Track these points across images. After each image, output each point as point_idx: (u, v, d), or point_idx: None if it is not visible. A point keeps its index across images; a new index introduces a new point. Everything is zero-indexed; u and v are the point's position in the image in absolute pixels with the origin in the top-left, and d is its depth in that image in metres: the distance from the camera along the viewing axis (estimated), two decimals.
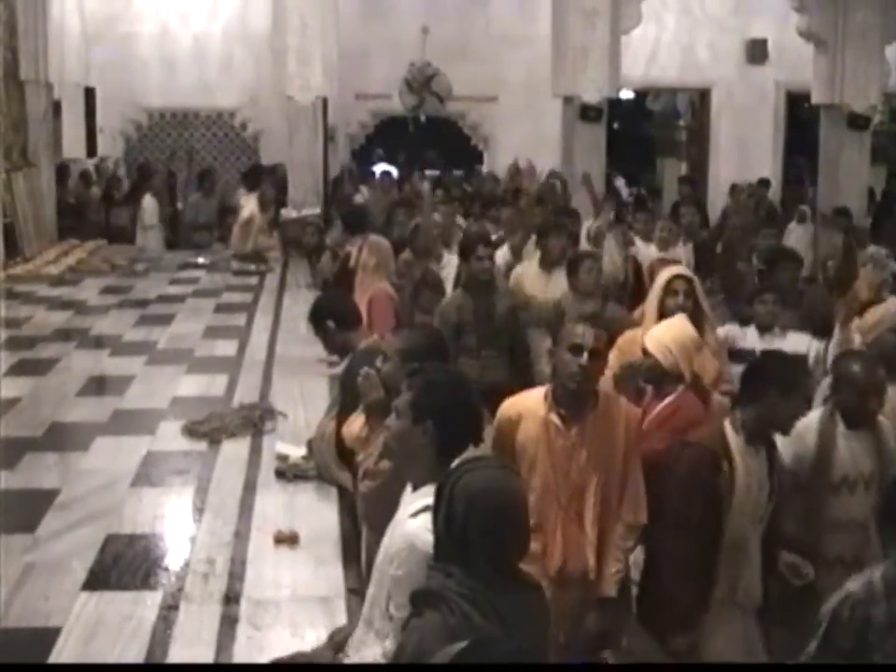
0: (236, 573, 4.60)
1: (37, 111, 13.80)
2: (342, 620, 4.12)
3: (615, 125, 19.36)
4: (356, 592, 4.34)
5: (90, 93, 15.87)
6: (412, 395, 3.53)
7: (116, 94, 16.74)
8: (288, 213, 13.70)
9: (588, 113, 13.37)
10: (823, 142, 14.58)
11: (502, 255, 8.76)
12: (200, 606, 4.32)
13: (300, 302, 10.12)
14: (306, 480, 5.63)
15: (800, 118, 18.58)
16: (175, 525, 5.25)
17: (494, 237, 8.89)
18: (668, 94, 20.04)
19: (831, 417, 4.88)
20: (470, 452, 3.44)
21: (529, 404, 4.47)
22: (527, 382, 7.18)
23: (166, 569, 4.67)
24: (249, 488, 5.59)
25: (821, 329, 6.52)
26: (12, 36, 13.47)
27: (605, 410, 4.42)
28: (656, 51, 17.97)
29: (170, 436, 6.43)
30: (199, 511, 5.32)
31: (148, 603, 4.34)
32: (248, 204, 13.58)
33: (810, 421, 4.86)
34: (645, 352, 5.13)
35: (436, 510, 3.00)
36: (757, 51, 18.10)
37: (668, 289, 5.74)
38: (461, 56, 17.08)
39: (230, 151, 17.90)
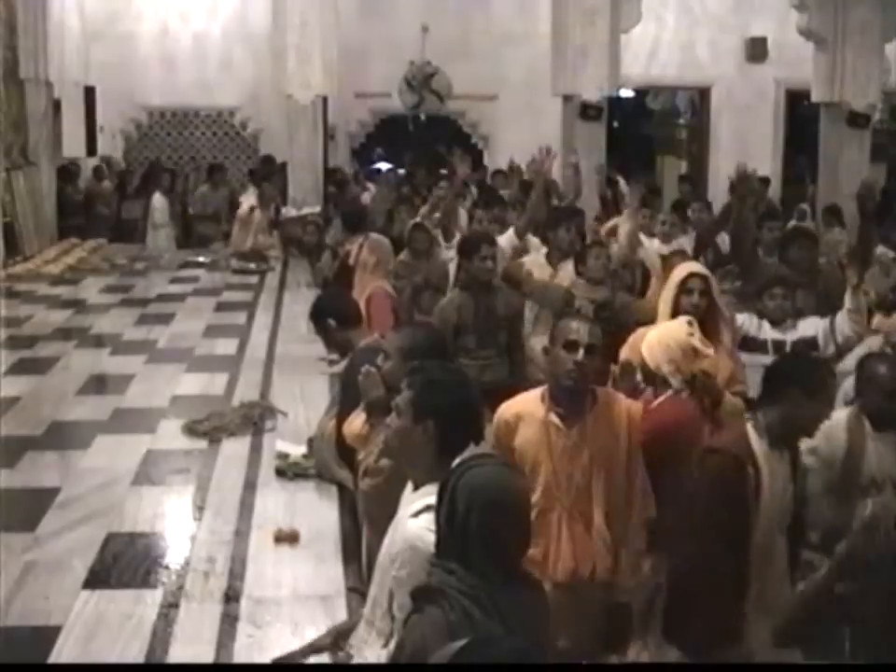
0: (236, 571, 4.61)
1: (37, 110, 13.80)
2: (342, 618, 4.13)
3: (615, 123, 19.31)
4: (356, 590, 4.34)
5: (90, 92, 15.87)
6: (413, 393, 3.52)
7: (116, 93, 16.73)
8: (288, 212, 13.70)
9: (588, 111, 13.36)
10: (823, 140, 14.57)
11: (507, 238, 8.70)
12: (200, 604, 4.33)
13: (300, 301, 10.12)
14: (306, 478, 5.63)
15: (800, 116, 18.57)
16: (176, 524, 5.25)
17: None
18: (668, 93, 20.02)
19: (858, 419, 4.81)
20: (471, 451, 3.44)
21: (527, 406, 4.39)
22: (525, 378, 7.24)
23: (167, 568, 4.67)
24: (249, 487, 5.59)
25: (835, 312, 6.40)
26: (12, 35, 13.48)
27: (605, 407, 4.35)
28: (656, 50, 17.96)
29: (170, 434, 6.44)
30: (199, 509, 5.33)
31: (149, 601, 4.34)
32: (247, 200, 13.58)
33: (837, 422, 4.77)
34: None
35: (438, 506, 3.01)
36: (757, 49, 18.09)
37: (683, 287, 5.60)
38: (461, 55, 17.08)
39: (230, 150, 17.89)
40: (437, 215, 9.60)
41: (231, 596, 4.38)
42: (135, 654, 3.93)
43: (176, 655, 3.92)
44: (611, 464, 4.32)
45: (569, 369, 4.26)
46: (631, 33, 14.16)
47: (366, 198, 14.12)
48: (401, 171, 14.78)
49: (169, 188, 15.21)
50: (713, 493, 4.17)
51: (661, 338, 5.03)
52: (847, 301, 6.17)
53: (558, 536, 4.28)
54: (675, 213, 10.38)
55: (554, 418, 4.30)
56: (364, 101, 17.55)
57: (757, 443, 4.18)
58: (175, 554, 4.83)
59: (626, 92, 18.76)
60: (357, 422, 4.71)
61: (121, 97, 16.98)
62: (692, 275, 5.65)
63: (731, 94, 18.24)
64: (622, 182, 15.16)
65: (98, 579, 4.55)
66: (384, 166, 20.02)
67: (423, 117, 17.78)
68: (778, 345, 6.21)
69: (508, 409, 4.42)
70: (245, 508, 5.32)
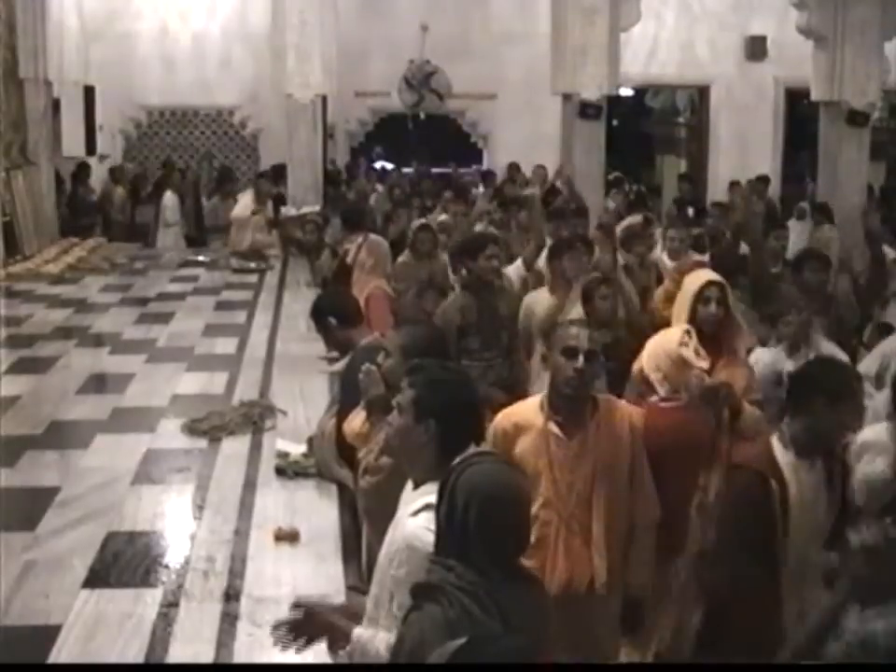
0: (236, 570, 4.60)
1: (37, 109, 13.79)
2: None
3: (615, 122, 19.35)
4: (356, 589, 4.34)
5: (89, 91, 15.87)
6: (414, 392, 3.52)
7: (115, 92, 16.74)
8: (288, 211, 13.70)
9: (587, 110, 13.36)
10: (822, 138, 14.57)
11: (515, 269, 8.66)
12: (200, 603, 4.32)
13: (299, 300, 10.13)
14: (306, 477, 5.63)
15: (799, 114, 18.57)
16: (176, 523, 5.25)
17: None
18: (668, 91, 20.05)
19: None
20: (472, 450, 3.44)
21: (525, 415, 4.30)
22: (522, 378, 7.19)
23: (166, 567, 4.67)
24: (249, 486, 5.58)
25: (849, 339, 6.35)
26: (11, 34, 13.46)
27: (606, 415, 4.27)
28: (655, 48, 17.98)
29: (170, 434, 6.43)
30: (199, 508, 5.32)
31: (149, 601, 4.34)
32: (244, 199, 13.56)
33: (878, 436, 4.70)
34: None
35: (438, 504, 3.01)
36: (756, 48, 18.11)
37: (700, 297, 5.43)
38: (460, 54, 17.09)
39: (229, 149, 17.90)
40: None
41: (231, 595, 4.38)
42: (135, 653, 3.93)
43: (176, 654, 3.92)
44: (614, 473, 4.23)
45: (569, 376, 4.17)
46: (630, 31, 14.16)
47: (374, 198, 14.16)
48: (407, 170, 14.75)
49: (180, 185, 15.19)
50: (737, 509, 4.09)
51: (655, 346, 5.01)
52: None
53: (555, 548, 4.20)
54: (684, 227, 9.94)
55: (554, 428, 4.21)
56: (363, 100, 17.58)
57: (783, 455, 4.08)
58: (174, 553, 4.82)
59: (626, 91, 18.79)
60: (357, 420, 4.72)
61: (121, 96, 17.00)
62: (709, 284, 5.50)
63: (730, 93, 18.25)
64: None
65: (98, 578, 4.54)
66: (382, 165, 20.03)
67: (422, 116, 17.80)
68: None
69: (506, 418, 4.34)
70: (245, 507, 5.31)
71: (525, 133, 16.98)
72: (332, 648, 3.82)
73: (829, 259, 7.84)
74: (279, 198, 13.88)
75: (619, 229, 9.27)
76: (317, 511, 5.27)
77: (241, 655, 3.91)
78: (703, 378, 5.08)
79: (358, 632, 3.48)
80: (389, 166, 19.90)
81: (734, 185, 16.17)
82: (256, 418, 6.59)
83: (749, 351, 6.03)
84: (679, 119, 20.28)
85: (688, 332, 5.00)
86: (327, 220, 12.40)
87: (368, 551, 4.64)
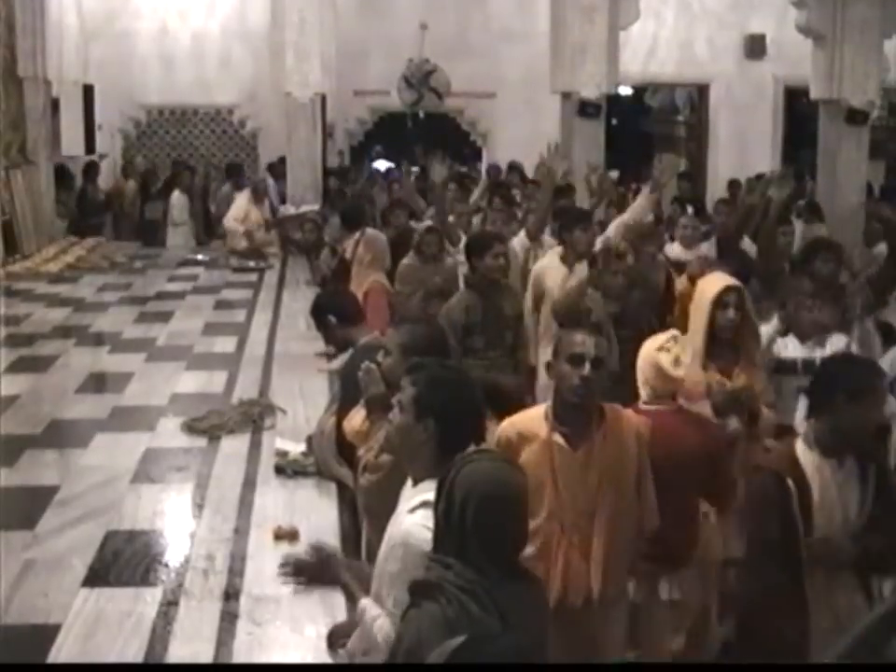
0: (236, 569, 4.60)
1: (36, 108, 13.79)
2: (341, 615, 4.12)
3: (614, 121, 19.35)
4: None
5: (88, 91, 15.87)
6: (415, 391, 3.52)
7: (114, 91, 16.75)
8: (287, 209, 13.71)
9: (587, 109, 13.36)
10: (822, 137, 14.57)
11: (519, 240, 8.67)
12: (200, 602, 4.32)
13: (299, 299, 10.14)
14: (306, 476, 5.62)
15: (798, 112, 18.58)
16: (175, 522, 5.25)
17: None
18: (667, 90, 20.04)
19: None
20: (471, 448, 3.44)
21: (530, 424, 4.17)
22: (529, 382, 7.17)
23: (166, 566, 4.67)
24: (249, 484, 5.58)
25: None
26: (10, 33, 13.47)
27: (612, 425, 4.12)
28: (655, 47, 17.98)
29: (169, 432, 6.43)
30: (198, 507, 5.32)
31: (148, 599, 4.33)
32: (241, 198, 13.54)
33: None
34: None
35: (436, 501, 3.01)
36: (755, 46, 18.11)
37: (718, 303, 5.38)
38: (459, 52, 17.09)
39: (228, 148, 17.90)
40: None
41: (231, 594, 4.37)
42: (135, 652, 3.93)
43: (176, 653, 3.92)
44: (619, 486, 4.10)
45: (575, 384, 4.03)
46: (629, 30, 14.18)
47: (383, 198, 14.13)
48: (415, 168, 14.71)
49: (189, 185, 15.20)
50: (754, 512, 4.05)
51: (643, 349, 4.94)
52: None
53: (555, 560, 4.08)
54: (697, 216, 9.88)
55: (559, 438, 4.08)
56: (363, 99, 17.57)
57: (806, 455, 3.98)
58: (174, 552, 4.82)
59: (625, 90, 18.79)
60: (356, 418, 4.72)
61: (120, 95, 17.00)
62: (727, 289, 5.42)
63: (729, 91, 18.25)
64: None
65: (97, 577, 4.54)
66: (382, 164, 20.02)
67: (421, 114, 17.80)
68: (808, 365, 5.95)
69: (510, 427, 4.21)
70: (245, 505, 5.31)
71: (525, 132, 16.96)
72: (332, 647, 3.83)
73: (840, 249, 7.79)
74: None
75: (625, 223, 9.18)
76: (317, 509, 5.26)
77: (240, 654, 3.91)
78: (724, 384, 5.07)
79: (366, 603, 3.49)
80: (386, 164, 19.86)
81: (733, 183, 16.16)
82: (255, 417, 6.58)
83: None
84: (678, 118, 20.27)
85: (674, 338, 4.89)
86: (326, 219, 12.40)
87: (367, 549, 4.64)
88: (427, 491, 3.20)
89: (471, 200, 11.61)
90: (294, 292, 10.85)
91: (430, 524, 3.05)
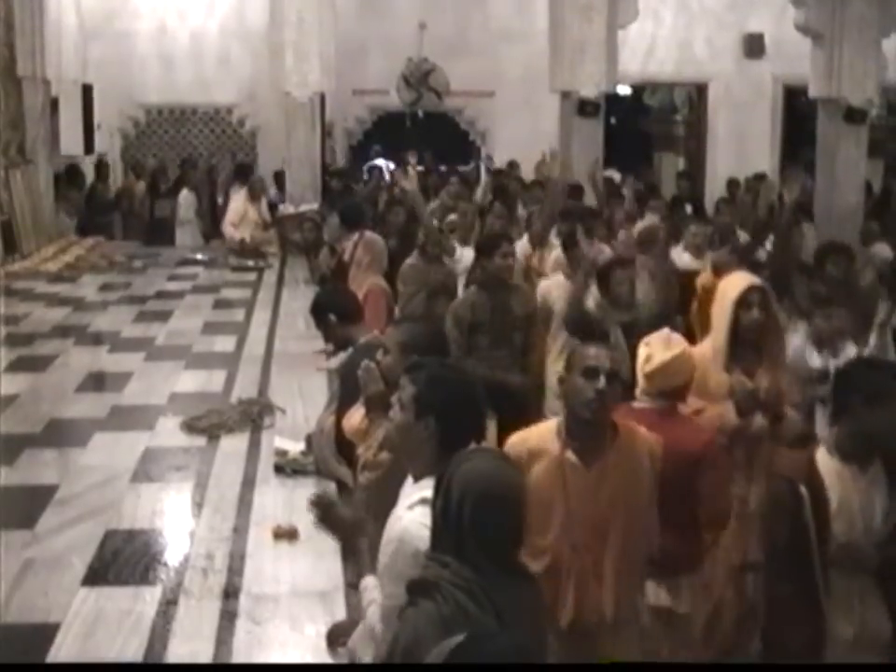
0: (235, 568, 4.61)
1: (35, 108, 13.79)
2: (341, 614, 4.13)
3: (612, 120, 19.34)
4: (355, 586, 4.34)
5: (87, 90, 15.86)
6: (415, 389, 3.53)
7: (113, 91, 16.74)
8: (286, 209, 13.71)
9: (585, 108, 13.36)
10: (820, 136, 14.56)
11: (521, 247, 8.64)
12: (199, 601, 4.33)
13: (298, 298, 10.15)
14: (305, 475, 5.63)
15: (797, 111, 18.58)
16: (174, 521, 5.26)
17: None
18: (666, 89, 20.03)
19: None
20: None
21: (541, 441, 4.00)
22: (538, 385, 7.12)
23: (165, 565, 4.67)
24: (248, 483, 5.59)
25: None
26: (9, 33, 13.48)
27: (626, 442, 3.97)
28: (653, 46, 17.98)
29: (169, 432, 6.44)
30: (198, 506, 5.33)
31: (148, 598, 4.34)
32: (238, 196, 13.53)
33: None
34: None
35: (434, 499, 3.02)
36: (754, 45, 18.11)
37: (742, 302, 5.17)
38: (458, 51, 17.09)
39: (227, 147, 17.89)
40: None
41: (230, 593, 4.38)
42: (134, 651, 3.93)
43: (175, 652, 3.93)
44: (632, 505, 3.95)
45: (589, 399, 3.87)
46: (628, 29, 14.18)
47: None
48: (420, 168, 14.67)
49: (196, 183, 15.16)
50: (769, 519, 3.98)
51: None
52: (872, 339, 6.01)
53: (566, 581, 3.93)
54: (696, 215, 9.67)
55: (571, 456, 3.92)
56: (362, 98, 17.57)
57: (827, 461, 3.88)
58: (173, 551, 4.83)
59: (624, 89, 18.77)
60: (355, 416, 4.72)
61: (119, 95, 16.99)
62: (751, 289, 5.24)
63: (728, 90, 18.26)
64: (616, 177, 15.17)
65: (97, 575, 4.55)
66: (381, 163, 20.01)
67: (421, 113, 17.80)
68: (823, 375, 5.97)
69: (520, 443, 4.04)
70: (244, 504, 5.32)
71: (524, 131, 16.99)
72: (332, 645, 3.84)
73: (851, 252, 7.69)
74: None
75: (635, 232, 9.05)
76: None
77: (240, 653, 3.92)
78: (744, 383, 5.03)
79: (368, 582, 3.50)
80: (382, 162, 19.85)
81: (732, 182, 16.18)
82: (254, 416, 6.59)
83: None
84: (677, 117, 20.26)
85: (666, 337, 4.78)
86: (325, 218, 12.39)
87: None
88: (427, 488, 3.20)
89: (474, 199, 11.62)
90: (293, 291, 10.87)
91: (428, 521, 3.06)
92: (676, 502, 4.28)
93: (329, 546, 4.81)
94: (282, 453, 5.85)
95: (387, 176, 15.96)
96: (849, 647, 3.87)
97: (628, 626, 4.11)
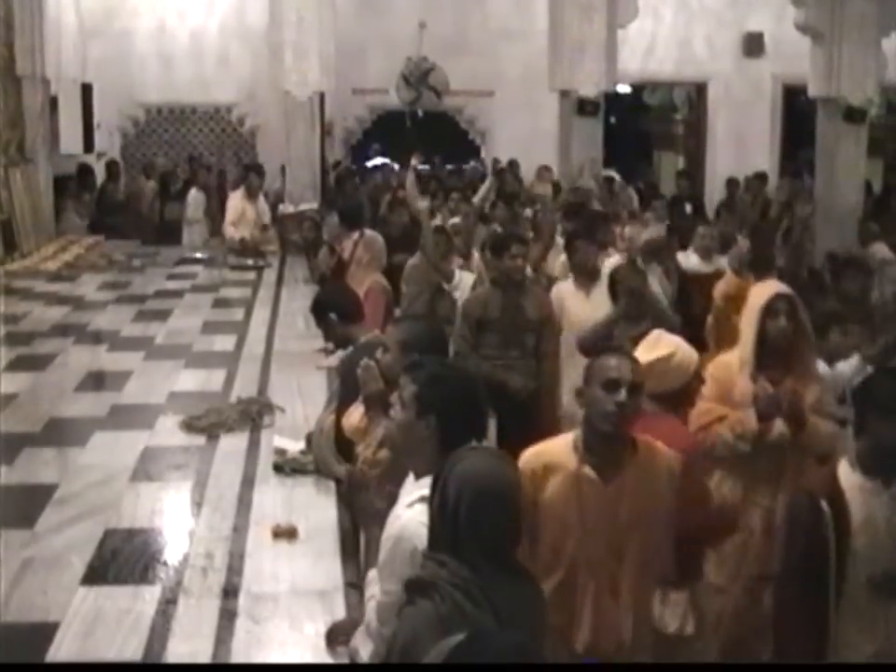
0: (234, 567, 4.61)
1: (34, 107, 13.78)
2: (340, 613, 4.13)
3: (612, 119, 19.35)
4: (354, 585, 4.35)
5: (87, 89, 15.87)
6: (416, 388, 3.53)
7: (113, 90, 16.74)
8: (286, 208, 13.70)
9: (585, 107, 13.36)
10: (820, 135, 14.56)
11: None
12: (198, 600, 4.32)
13: (297, 297, 10.15)
14: (304, 474, 5.63)
15: (797, 111, 18.58)
16: (174, 520, 5.26)
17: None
18: (665, 88, 20.04)
19: None
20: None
21: (557, 455, 3.87)
22: (552, 388, 7.04)
23: (165, 564, 4.67)
24: (247, 483, 5.59)
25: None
26: (9, 32, 13.46)
27: (645, 458, 3.84)
28: (653, 45, 17.99)
29: (168, 431, 6.43)
30: (197, 505, 5.32)
31: (147, 597, 4.34)
32: (236, 196, 13.52)
33: None
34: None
35: (431, 497, 3.02)
36: (754, 45, 18.12)
37: (769, 311, 5.08)
38: (458, 51, 17.09)
39: (227, 147, 17.90)
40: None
41: (230, 592, 4.38)
42: (134, 650, 3.93)
43: (175, 651, 3.92)
44: (651, 523, 3.82)
45: (609, 411, 3.74)
46: (628, 28, 14.19)
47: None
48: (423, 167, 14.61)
49: (205, 183, 15.14)
50: (787, 534, 3.88)
51: None
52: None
53: (581, 602, 3.81)
54: (696, 214, 9.61)
55: (589, 471, 3.79)
56: (361, 97, 17.58)
57: (849, 477, 3.75)
58: (173, 550, 4.83)
59: (623, 88, 18.77)
60: (355, 415, 4.73)
61: (118, 94, 17.00)
62: (777, 297, 5.14)
63: (728, 90, 18.26)
64: (617, 179, 15.16)
65: (96, 575, 4.55)
66: (380, 162, 20.02)
67: (420, 113, 17.79)
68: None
69: (536, 457, 3.89)
70: (244, 504, 5.32)
71: (523, 130, 16.99)
72: (331, 645, 3.84)
73: (868, 267, 7.57)
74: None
75: (641, 240, 8.98)
76: (315, 507, 5.27)
77: (239, 652, 3.91)
78: (767, 388, 4.99)
79: (372, 576, 3.51)
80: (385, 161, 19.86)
81: (731, 182, 16.18)
82: (254, 415, 6.59)
83: None
84: (676, 116, 20.28)
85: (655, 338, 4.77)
86: (324, 218, 12.39)
87: (366, 546, 4.65)
88: (428, 487, 3.21)
89: (475, 199, 11.60)
90: (293, 290, 10.86)
91: (427, 519, 3.06)
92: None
93: (328, 545, 4.83)
94: (281, 452, 5.85)
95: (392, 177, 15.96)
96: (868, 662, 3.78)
97: (645, 651, 3.97)
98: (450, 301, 7.44)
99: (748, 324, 5.20)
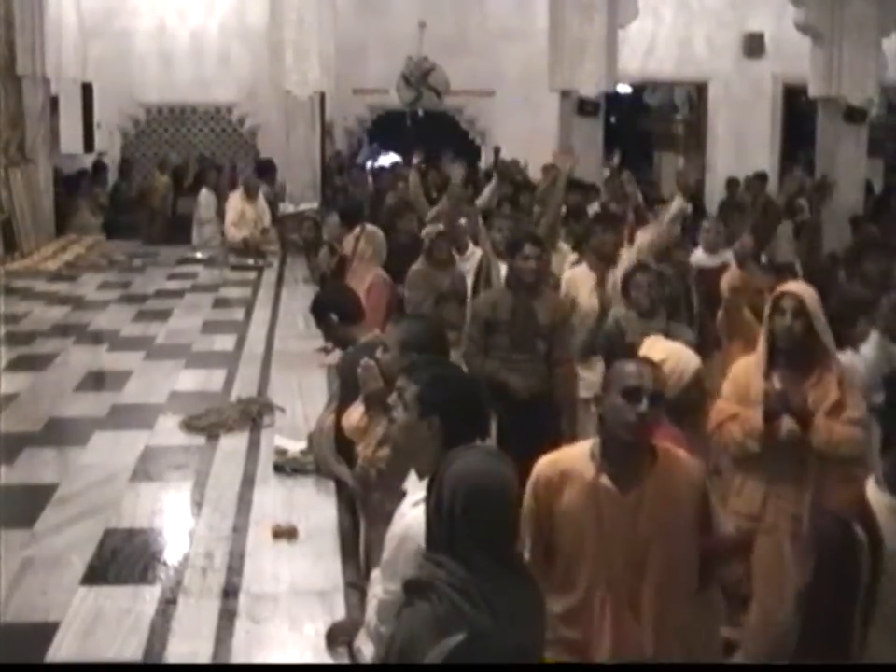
0: (234, 567, 4.60)
1: (34, 107, 13.78)
2: (340, 613, 4.13)
3: (612, 119, 19.34)
4: (354, 585, 4.35)
5: (87, 89, 15.86)
6: (418, 388, 3.53)
7: (113, 90, 16.73)
8: (286, 208, 13.70)
9: (585, 107, 13.37)
10: (820, 135, 14.58)
11: None
12: (198, 600, 4.32)
13: (297, 297, 10.15)
14: (304, 474, 5.63)
15: (797, 111, 18.58)
16: (174, 520, 5.25)
17: None
18: (666, 88, 20.05)
19: None
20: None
21: (574, 464, 3.75)
22: (567, 394, 6.92)
23: (165, 564, 4.67)
24: (247, 482, 5.58)
25: None
26: (9, 31, 13.45)
27: (665, 467, 3.70)
28: (653, 45, 17.99)
29: (168, 430, 6.43)
30: (197, 505, 5.32)
31: (147, 597, 4.34)
32: (235, 196, 13.52)
33: None
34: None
35: (428, 497, 3.02)
36: (754, 45, 18.12)
37: (775, 308, 5.02)
38: (458, 50, 17.10)
39: (227, 146, 17.90)
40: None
41: (230, 592, 4.37)
42: (133, 650, 3.93)
43: (175, 651, 3.92)
44: (672, 534, 3.68)
45: (630, 421, 3.60)
46: (628, 28, 14.19)
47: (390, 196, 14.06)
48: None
49: (215, 182, 15.16)
50: (817, 560, 3.55)
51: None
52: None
53: (600, 618, 3.68)
54: (696, 214, 9.57)
55: (607, 481, 3.66)
56: (362, 97, 17.58)
57: (877, 497, 3.50)
58: (173, 550, 4.83)
59: (624, 88, 18.78)
60: (355, 414, 4.73)
61: (119, 94, 17.00)
62: (783, 294, 5.06)
63: (728, 90, 18.26)
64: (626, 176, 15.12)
65: (96, 575, 4.54)
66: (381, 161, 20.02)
67: (420, 112, 17.79)
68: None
69: (552, 466, 3.77)
70: (244, 503, 5.31)
71: (523, 130, 16.97)
72: (331, 645, 3.84)
73: (891, 248, 7.51)
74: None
75: (650, 240, 8.44)
76: (315, 507, 5.27)
77: (239, 652, 3.91)
78: (774, 386, 4.93)
79: (376, 575, 3.51)
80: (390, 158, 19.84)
81: (731, 182, 16.17)
82: (254, 415, 6.58)
83: None
84: (677, 116, 20.28)
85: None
86: (324, 217, 12.38)
87: (366, 546, 4.65)
88: None
89: (479, 200, 11.55)
90: (293, 290, 10.86)
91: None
92: None
93: (328, 545, 4.83)
94: (281, 452, 5.85)
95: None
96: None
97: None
98: (456, 307, 7.36)
99: (763, 323, 5.18)
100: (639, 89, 20.33)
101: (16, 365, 8.05)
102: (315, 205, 13.41)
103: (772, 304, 5.09)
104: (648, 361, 3.88)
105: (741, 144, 18.11)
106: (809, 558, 3.63)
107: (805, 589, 3.57)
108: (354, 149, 18.93)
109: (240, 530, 4.99)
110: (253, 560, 4.67)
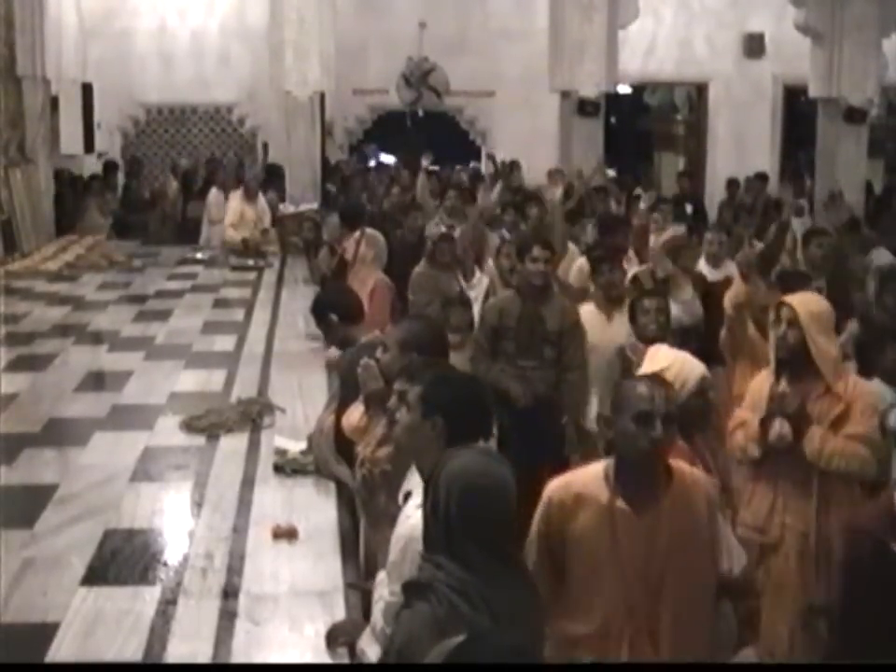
0: (234, 568, 4.60)
1: (35, 107, 13.78)
2: (340, 614, 4.13)
3: (612, 120, 19.36)
4: (354, 586, 4.34)
5: (87, 89, 15.85)
6: (420, 389, 3.53)
7: (113, 90, 16.73)
8: (286, 208, 13.70)
9: (585, 107, 13.39)
10: (820, 135, 14.58)
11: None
12: (198, 600, 4.32)
13: (298, 298, 10.15)
14: (305, 474, 5.62)
15: (797, 111, 18.59)
16: (174, 520, 5.25)
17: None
18: (666, 88, 20.06)
19: None
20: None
21: (587, 486, 3.64)
22: (577, 402, 6.82)
23: (165, 564, 4.66)
24: (248, 483, 5.58)
25: None
26: (9, 32, 13.46)
27: (681, 487, 3.61)
28: (654, 46, 17.98)
29: (168, 431, 6.43)
30: (197, 505, 5.32)
31: (147, 598, 4.33)
32: (232, 200, 13.51)
33: None
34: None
35: (424, 498, 3.02)
36: (754, 45, 18.12)
37: (775, 317, 5.03)
38: (458, 51, 17.10)
39: (227, 146, 17.90)
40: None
41: (230, 593, 4.37)
42: (133, 651, 3.92)
43: (175, 652, 3.92)
44: (690, 557, 3.58)
45: (642, 448, 3.51)
46: (628, 29, 14.21)
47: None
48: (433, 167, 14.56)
49: (224, 183, 15.15)
50: (849, 578, 3.64)
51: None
52: None
53: (617, 643, 3.58)
54: (696, 215, 9.47)
55: (622, 504, 3.56)
56: (362, 97, 17.57)
57: None
58: (173, 551, 4.82)
59: (624, 89, 18.78)
60: (355, 414, 4.73)
61: (119, 94, 16.99)
62: (780, 304, 5.07)
63: (728, 90, 18.26)
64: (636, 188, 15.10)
65: (96, 575, 4.54)
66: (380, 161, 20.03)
67: (421, 113, 17.79)
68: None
69: (565, 488, 3.68)
70: (244, 504, 5.31)
71: (524, 131, 16.98)
72: (331, 645, 3.84)
73: None
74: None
75: (662, 240, 8.66)
76: (316, 508, 5.26)
77: (239, 653, 3.91)
78: (774, 392, 4.94)
79: (382, 578, 3.51)
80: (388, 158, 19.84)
81: (731, 182, 16.18)
82: (254, 415, 6.58)
83: None
84: (677, 117, 20.29)
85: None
86: (324, 218, 12.38)
87: (366, 547, 4.65)
88: None
89: (484, 205, 11.52)
90: (293, 291, 10.86)
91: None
92: None
93: (328, 546, 4.83)
94: (282, 452, 5.85)
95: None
96: None
97: None
98: (462, 311, 7.27)
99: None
100: (639, 89, 20.33)
101: (16, 365, 8.05)
102: (315, 206, 13.41)
103: (773, 314, 5.11)
104: (658, 379, 3.78)
105: (741, 144, 18.11)
106: (837, 575, 3.62)
107: (834, 606, 3.59)
108: (359, 157, 18.90)
109: (240, 531, 4.99)
110: (253, 561, 4.67)
